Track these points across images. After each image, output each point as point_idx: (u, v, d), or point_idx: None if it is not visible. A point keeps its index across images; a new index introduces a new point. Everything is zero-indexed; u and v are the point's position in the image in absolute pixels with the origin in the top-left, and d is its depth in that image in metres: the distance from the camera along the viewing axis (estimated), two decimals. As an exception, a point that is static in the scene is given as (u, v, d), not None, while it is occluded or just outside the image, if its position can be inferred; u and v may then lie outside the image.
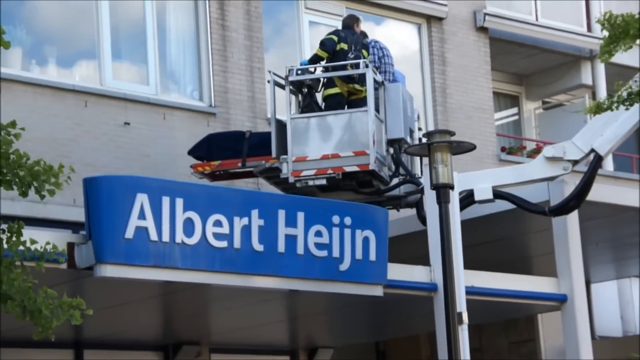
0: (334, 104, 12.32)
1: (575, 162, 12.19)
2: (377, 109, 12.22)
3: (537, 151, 17.63)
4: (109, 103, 13.42)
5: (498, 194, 12.28)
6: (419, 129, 13.19)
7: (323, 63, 12.50)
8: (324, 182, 11.98)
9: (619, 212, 13.42)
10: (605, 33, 11.54)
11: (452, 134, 11.73)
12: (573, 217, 12.72)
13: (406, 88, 12.98)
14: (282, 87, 12.37)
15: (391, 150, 12.48)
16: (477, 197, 12.19)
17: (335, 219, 11.70)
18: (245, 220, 11.07)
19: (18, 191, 7.89)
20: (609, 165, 18.17)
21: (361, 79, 12.29)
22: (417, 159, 12.98)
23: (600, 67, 18.45)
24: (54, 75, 13.36)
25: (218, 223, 10.91)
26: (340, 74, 12.28)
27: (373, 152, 11.86)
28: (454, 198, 11.85)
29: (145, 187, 10.60)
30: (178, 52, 14.52)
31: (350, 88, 12.39)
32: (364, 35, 13.12)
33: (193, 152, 13.04)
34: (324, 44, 12.46)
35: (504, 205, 13.17)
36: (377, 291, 11.87)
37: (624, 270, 16.97)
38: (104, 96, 13.42)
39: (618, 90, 11.29)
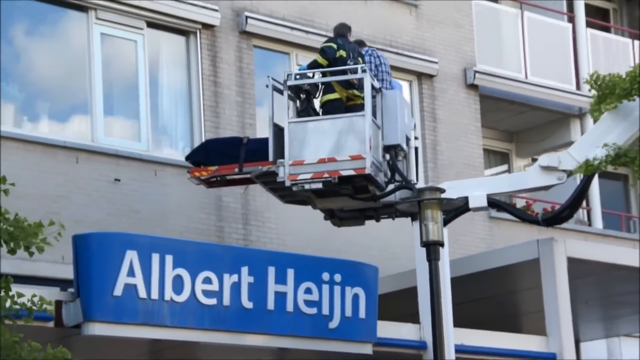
0: (332, 109, 12.29)
1: (570, 173, 12.12)
2: (374, 115, 12.22)
3: (527, 208, 17.69)
4: (100, 159, 13.45)
5: (492, 203, 12.23)
6: (415, 138, 13.19)
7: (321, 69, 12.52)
8: (320, 185, 11.90)
9: (608, 271, 13.44)
10: (594, 92, 11.66)
11: (442, 191, 11.78)
12: (562, 275, 12.73)
13: (403, 96, 13.01)
14: (281, 92, 12.35)
15: (387, 157, 12.45)
16: (472, 204, 12.13)
17: (325, 276, 11.71)
18: (234, 278, 11.09)
19: (6, 248, 7.90)
20: (598, 223, 18.20)
21: (360, 85, 12.28)
22: (413, 166, 12.97)
23: (590, 125, 18.56)
24: (45, 132, 13.41)
25: (207, 280, 10.92)
26: (339, 79, 12.27)
27: (369, 156, 11.84)
28: (444, 255, 11.85)
29: (135, 244, 10.62)
30: (170, 107, 14.59)
31: (350, 94, 12.40)
32: (361, 44, 13.18)
33: (190, 157, 13.02)
34: (324, 52, 12.43)
35: (494, 262, 13.20)
36: (367, 349, 11.84)
37: (614, 329, 16.94)
38: (96, 152, 13.46)
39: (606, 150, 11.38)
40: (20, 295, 8.03)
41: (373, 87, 12.24)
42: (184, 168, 14.09)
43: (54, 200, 12.87)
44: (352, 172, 11.83)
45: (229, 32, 14.90)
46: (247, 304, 11.10)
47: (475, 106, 17.24)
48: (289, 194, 12.51)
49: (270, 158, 12.13)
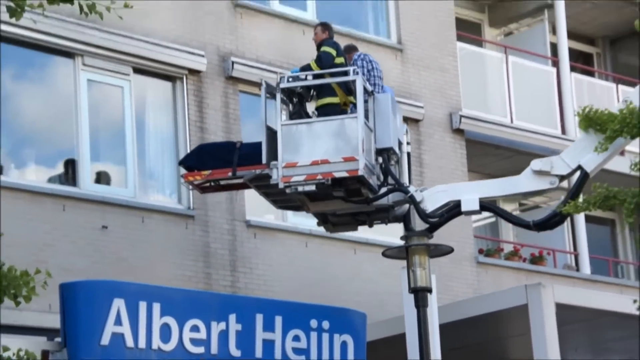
0: (329, 113, 12.26)
1: (562, 178, 12.10)
2: (366, 118, 12.21)
3: (514, 253, 17.69)
4: (87, 207, 13.40)
5: (484, 206, 12.21)
6: (408, 143, 13.17)
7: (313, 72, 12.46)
8: (313, 188, 11.84)
9: (597, 317, 13.40)
10: (580, 135, 11.66)
11: (430, 237, 11.77)
12: (551, 322, 12.68)
13: (395, 100, 13.02)
14: (273, 96, 12.34)
15: (380, 160, 12.41)
16: (464, 208, 12.09)
17: (313, 323, 11.67)
18: (222, 325, 11.03)
19: (-6, 298, 7.83)
20: (585, 268, 18.22)
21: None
22: (406, 170, 12.94)
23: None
24: (32, 179, 13.36)
25: (195, 328, 10.86)
26: (330, 81, 12.26)
27: (362, 158, 11.80)
28: (433, 301, 11.82)
29: (122, 292, 10.58)
30: (157, 153, 14.57)
31: (348, 100, 12.41)
32: (353, 48, 13.21)
33: (183, 161, 12.97)
34: (320, 60, 12.42)
35: (482, 308, 13.15)
36: (355, 397, 11.77)
37: (603, 376, 16.89)
38: (82, 200, 13.41)
39: (595, 192, 11.36)
40: (6, 349, 7.95)
41: (365, 91, 12.24)
42: (171, 214, 14.06)
43: (41, 248, 12.79)
44: (345, 174, 11.78)
45: (215, 77, 14.93)
46: (235, 352, 11.05)
47: (461, 150, 17.28)
48: (282, 199, 12.48)
49: (264, 161, 12.09)
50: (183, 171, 14.37)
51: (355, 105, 12.11)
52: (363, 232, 15.44)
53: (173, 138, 14.60)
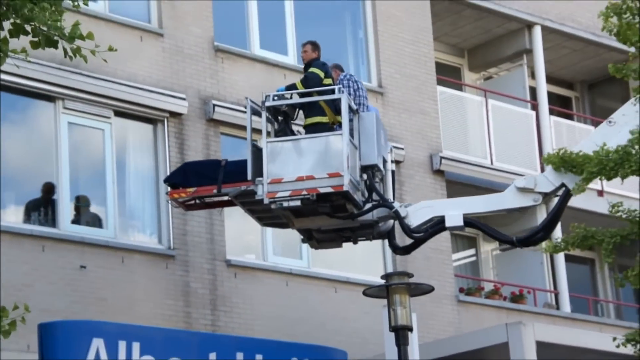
0: (320, 131, 12.31)
1: (545, 195, 12.14)
2: (352, 136, 12.29)
3: (495, 292, 17.72)
4: (67, 247, 13.39)
5: (468, 222, 12.22)
6: (392, 162, 13.23)
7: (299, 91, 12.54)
8: (298, 203, 11.88)
9: (577, 354, 13.42)
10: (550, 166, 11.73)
11: (410, 275, 11.79)
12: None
13: (380, 119, 13.06)
14: (259, 114, 12.41)
15: (365, 177, 12.46)
16: (448, 223, 12.12)
17: (294, 362, 11.65)
18: (203, 364, 10.99)
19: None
20: (565, 307, 18.25)
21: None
22: (390, 188, 12.96)
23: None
24: (11, 220, 13.35)
25: (175, 367, 10.82)
26: (315, 100, 12.34)
27: (347, 174, 11.86)
28: (413, 340, 11.83)
29: (101, 332, 10.57)
30: (137, 194, 14.60)
31: (337, 119, 12.47)
32: (339, 67, 13.28)
33: (169, 179, 12.96)
34: (306, 80, 12.52)
35: (463, 346, 13.15)
36: None
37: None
38: (62, 240, 13.40)
39: (573, 232, 11.45)
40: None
41: (350, 109, 12.33)
42: (151, 254, 14.05)
43: (19, 289, 12.73)
44: (330, 190, 11.85)
45: (196, 119, 15.01)
46: (215, 391, 11.01)
47: (441, 191, 17.36)
48: (267, 216, 12.48)
49: (249, 177, 12.16)
50: (164, 212, 14.46)
51: (341, 124, 12.22)
52: (344, 271, 15.48)
53: (154, 179, 14.64)
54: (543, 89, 19.41)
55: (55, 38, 9.27)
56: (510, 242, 12.28)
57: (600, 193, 18.94)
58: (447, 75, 19.09)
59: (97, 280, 13.42)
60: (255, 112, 12.44)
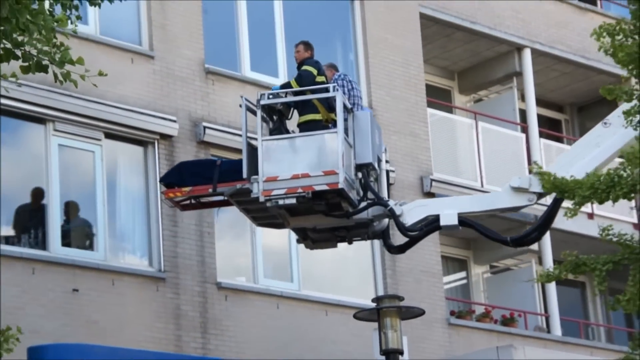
0: (313, 129, 12.34)
1: (539, 195, 12.11)
2: (347, 134, 12.28)
3: (485, 315, 17.71)
4: (57, 270, 13.35)
5: (462, 221, 12.20)
6: (387, 162, 13.22)
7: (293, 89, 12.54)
8: (293, 201, 11.87)
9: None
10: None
11: (401, 299, 11.79)
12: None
13: (374, 119, 13.03)
14: (254, 112, 12.39)
15: (360, 175, 12.46)
16: (443, 222, 12.13)
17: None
18: (193, 387, 10.94)
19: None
20: (556, 330, 18.25)
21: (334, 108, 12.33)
22: (384, 187, 12.96)
23: (546, 234, 18.74)
24: (2, 242, 13.31)
25: (165, 390, 10.77)
26: (311, 97, 12.35)
27: (342, 172, 11.87)
28: (405, 364, 11.81)
29: (91, 355, 10.56)
30: (128, 217, 14.57)
31: (330, 117, 12.47)
32: (333, 67, 13.31)
33: (164, 179, 12.94)
34: (300, 78, 12.54)
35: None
36: None
37: None
38: (52, 263, 13.37)
39: (565, 258, 11.44)
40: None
41: (345, 108, 12.34)
42: (141, 277, 14.01)
43: (10, 312, 12.68)
44: (325, 187, 11.87)
45: (187, 142, 15.01)
46: (206, 415, 10.95)
47: (432, 214, 17.35)
48: (262, 215, 12.47)
49: (245, 175, 12.17)
50: (154, 235, 14.44)
51: (336, 122, 12.23)
52: (334, 294, 15.46)
53: (144, 201, 14.62)
54: (533, 111, 19.48)
55: (45, 63, 9.32)
56: (504, 242, 12.31)
57: (591, 216, 18.98)
58: (438, 98, 19.15)
59: (87, 303, 13.38)
60: (250, 112, 12.45)
